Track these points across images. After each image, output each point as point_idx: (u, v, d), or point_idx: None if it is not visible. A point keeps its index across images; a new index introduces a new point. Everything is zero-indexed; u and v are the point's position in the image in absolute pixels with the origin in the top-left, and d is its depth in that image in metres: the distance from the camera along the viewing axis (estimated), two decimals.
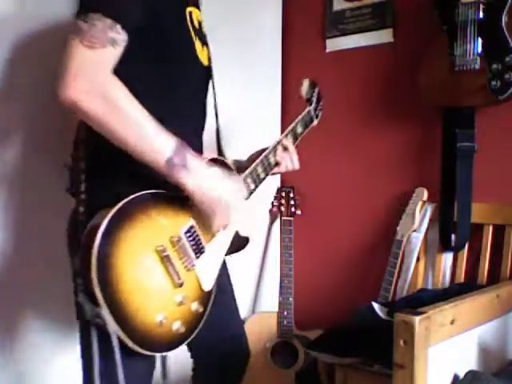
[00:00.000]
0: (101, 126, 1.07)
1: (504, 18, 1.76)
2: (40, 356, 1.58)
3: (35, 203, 1.54)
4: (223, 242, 1.35)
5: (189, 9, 1.28)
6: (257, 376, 2.16)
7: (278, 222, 2.35)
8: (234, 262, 1.53)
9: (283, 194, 2.29)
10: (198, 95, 1.37)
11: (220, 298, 1.36)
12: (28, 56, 1.49)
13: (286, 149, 1.48)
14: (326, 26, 2.33)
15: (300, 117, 1.58)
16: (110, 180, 1.18)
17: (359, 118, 2.25)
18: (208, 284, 1.27)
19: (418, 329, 1.19)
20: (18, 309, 1.54)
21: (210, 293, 1.28)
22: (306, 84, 1.64)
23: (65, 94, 1.03)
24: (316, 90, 1.66)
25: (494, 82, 1.75)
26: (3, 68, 1.46)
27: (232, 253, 1.41)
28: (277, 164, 1.47)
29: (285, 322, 2.21)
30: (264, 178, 1.43)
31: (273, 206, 2.30)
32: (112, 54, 1.08)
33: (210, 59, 1.38)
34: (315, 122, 1.66)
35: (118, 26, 1.08)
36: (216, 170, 1.23)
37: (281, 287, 2.22)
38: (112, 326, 1.06)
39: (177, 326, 1.17)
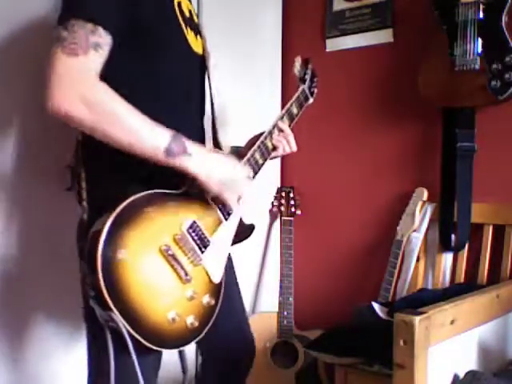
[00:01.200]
0: (93, 131, 1.08)
1: (504, 18, 1.77)
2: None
3: (39, 204, 1.56)
4: (228, 232, 1.35)
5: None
6: (257, 376, 2.16)
7: (278, 222, 2.35)
8: (234, 261, 1.53)
9: (283, 194, 2.29)
10: (195, 84, 1.36)
11: (228, 293, 1.37)
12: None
13: (282, 131, 1.46)
14: (326, 26, 2.33)
15: (294, 97, 1.56)
16: (109, 183, 1.19)
17: (359, 118, 2.25)
18: (217, 276, 1.28)
19: (418, 329, 1.19)
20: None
21: (219, 284, 1.30)
22: (298, 63, 1.61)
23: (51, 106, 1.04)
24: (309, 67, 1.63)
25: (494, 82, 1.75)
26: None
27: (238, 242, 1.41)
28: (274, 148, 1.45)
29: (285, 322, 2.21)
30: (263, 164, 1.42)
31: (273, 205, 2.30)
32: (95, 59, 1.08)
33: (204, 48, 1.37)
34: (311, 101, 1.63)
35: (100, 30, 1.08)
36: (216, 153, 1.26)
37: (281, 287, 2.22)
38: (125, 329, 1.07)
39: (191, 320, 1.19)
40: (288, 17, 2.42)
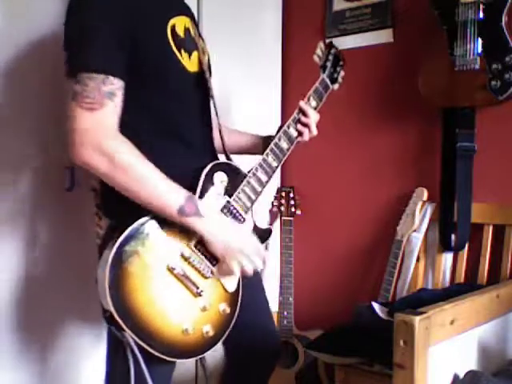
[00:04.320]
0: (113, 184, 1.14)
1: (504, 18, 1.77)
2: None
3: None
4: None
5: (172, 22, 1.27)
6: None
7: (278, 222, 2.35)
8: None
9: (283, 194, 2.29)
10: (195, 106, 1.36)
11: (251, 295, 1.39)
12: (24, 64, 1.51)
13: (305, 115, 1.46)
14: (326, 26, 2.33)
15: (312, 89, 1.52)
16: (123, 205, 1.20)
17: (359, 118, 2.25)
18: (231, 285, 1.30)
19: (418, 329, 1.19)
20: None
21: (236, 293, 1.32)
22: (319, 48, 1.58)
23: (76, 159, 1.11)
24: (332, 52, 1.61)
25: (494, 82, 1.75)
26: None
27: None
28: (299, 134, 1.46)
29: (285, 322, 2.21)
30: (277, 166, 1.43)
31: (273, 205, 2.30)
32: (111, 108, 1.13)
33: (200, 62, 1.35)
34: (335, 87, 1.61)
35: (111, 77, 1.12)
36: (224, 217, 1.28)
37: (281, 287, 2.21)
38: (137, 345, 1.13)
39: (206, 329, 1.23)
40: (288, 17, 2.42)
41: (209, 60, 1.45)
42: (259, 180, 1.37)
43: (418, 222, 1.99)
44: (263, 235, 1.42)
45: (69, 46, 1.18)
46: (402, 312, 1.23)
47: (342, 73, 1.64)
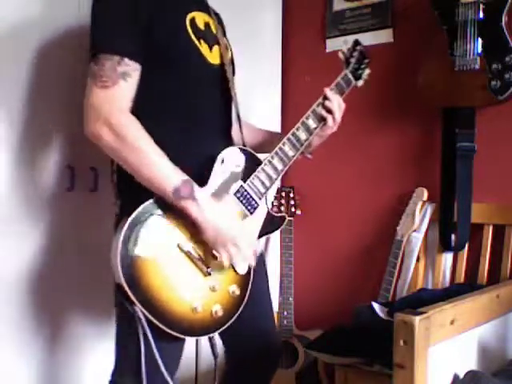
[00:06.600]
0: (117, 158, 1.22)
1: (504, 18, 1.77)
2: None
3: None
4: (253, 225, 1.36)
5: (191, 15, 1.33)
6: None
7: None
8: None
9: (283, 194, 2.29)
10: (215, 95, 1.39)
11: (256, 293, 1.40)
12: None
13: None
14: (326, 26, 2.33)
15: (334, 83, 1.52)
16: (137, 192, 1.23)
17: (359, 118, 2.24)
18: (242, 267, 1.32)
19: (418, 329, 1.19)
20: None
21: (247, 276, 1.34)
22: (345, 45, 1.60)
23: (88, 133, 1.20)
24: (357, 49, 1.61)
25: (494, 82, 1.75)
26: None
27: (267, 233, 1.43)
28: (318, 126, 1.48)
29: (285, 322, 2.21)
30: (294, 156, 1.43)
31: (273, 205, 2.30)
32: (125, 88, 1.20)
33: (222, 56, 1.40)
34: (359, 83, 1.61)
35: (126, 59, 1.20)
36: (221, 205, 1.28)
37: (281, 287, 2.21)
38: (145, 318, 1.17)
39: (216, 309, 1.26)
40: (288, 17, 2.41)
41: (232, 57, 1.49)
42: (275, 168, 1.37)
43: (418, 221, 1.99)
44: (277, 222, 1.44)
45: (91, 29, 1.25)
46: (401, 312, 1.23)
47: (368, 70, 1.64)
